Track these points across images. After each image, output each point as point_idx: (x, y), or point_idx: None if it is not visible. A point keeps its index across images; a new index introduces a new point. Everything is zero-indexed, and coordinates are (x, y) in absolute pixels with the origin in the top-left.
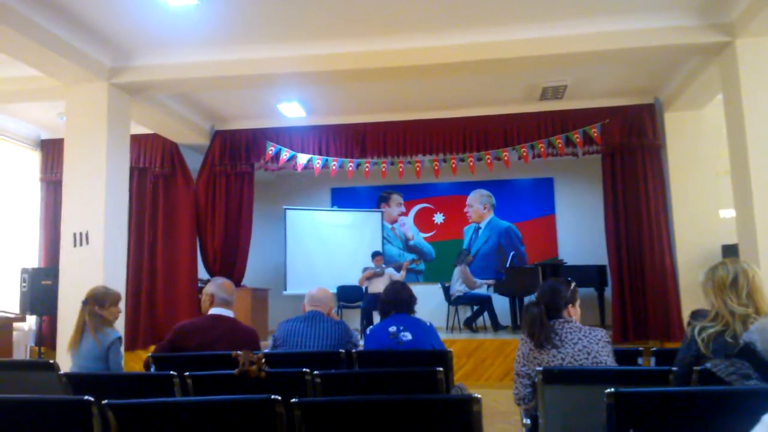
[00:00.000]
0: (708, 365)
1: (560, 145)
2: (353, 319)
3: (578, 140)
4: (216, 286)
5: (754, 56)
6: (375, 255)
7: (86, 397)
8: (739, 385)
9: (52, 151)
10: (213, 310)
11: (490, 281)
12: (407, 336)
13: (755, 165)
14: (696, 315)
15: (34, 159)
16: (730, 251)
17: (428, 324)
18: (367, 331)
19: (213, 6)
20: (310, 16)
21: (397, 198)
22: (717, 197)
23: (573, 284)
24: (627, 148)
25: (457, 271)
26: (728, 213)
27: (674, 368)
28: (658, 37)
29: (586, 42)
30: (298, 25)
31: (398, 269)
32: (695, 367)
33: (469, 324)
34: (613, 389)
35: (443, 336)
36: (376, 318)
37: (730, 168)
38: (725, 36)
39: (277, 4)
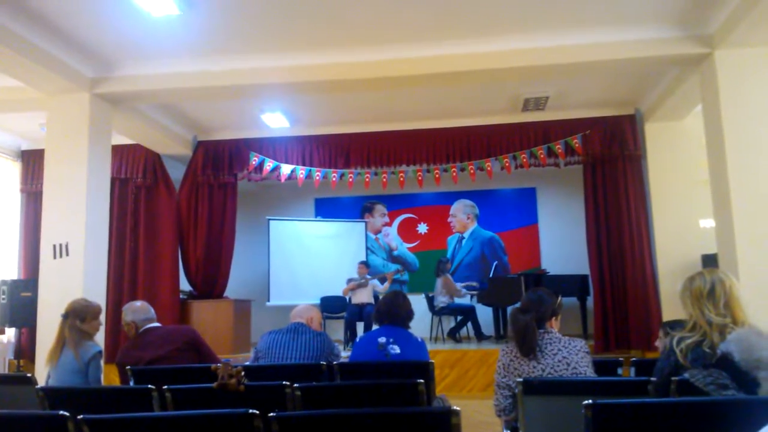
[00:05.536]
0: (686, 375)
1: (542, 156)
2: (337, 330)
3: (560, 151)
4: (132, 312)
5: (733, 67)
6: (359, 264)
7: (61, 412)
8: (717, 396)
9: (32, 161)
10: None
11: (474, 285)
12: (396, 349)
13: (734, 175)
14: (672, 326)
15: (14, 170)
16: (709, 261)
17: (420, 340)
18: (357, 339)
19: (196, 16)
20: (294, 27)
21: (380, 208)
22: (696, 207)
23: (559, 297)
24: (608, 158)
25: (439, 282)
26: (708, 223)
27: (653, 378)
28: (638, 49)
29: (568, 54)
30: (282, 36)
31: (382, 280)
32: (674, 378)
33: (453, 334)
34: (590, 401)
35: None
36: (360, 329)
37: (709, 178)
38: (705, 47)
39: (261, 15)
